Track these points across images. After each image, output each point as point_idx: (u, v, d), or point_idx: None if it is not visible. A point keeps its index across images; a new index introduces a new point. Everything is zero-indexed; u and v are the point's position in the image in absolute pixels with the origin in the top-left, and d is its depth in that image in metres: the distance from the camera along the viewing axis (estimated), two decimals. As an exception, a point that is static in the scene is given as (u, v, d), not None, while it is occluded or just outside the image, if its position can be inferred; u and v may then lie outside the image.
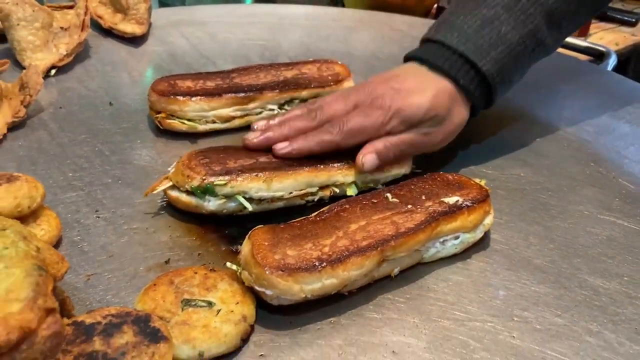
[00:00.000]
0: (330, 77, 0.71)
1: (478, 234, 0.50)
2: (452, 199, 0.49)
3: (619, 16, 1.19)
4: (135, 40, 0.81)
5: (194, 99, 0.64)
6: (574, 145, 0.66)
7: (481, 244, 0.52)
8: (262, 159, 0.55)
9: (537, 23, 0.55)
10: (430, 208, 0.48)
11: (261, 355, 0.41)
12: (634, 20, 1.18)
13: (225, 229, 0.52)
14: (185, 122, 0.64)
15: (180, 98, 0.63)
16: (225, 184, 0.51)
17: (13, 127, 0.62)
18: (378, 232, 0.45)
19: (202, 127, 0.65)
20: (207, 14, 0.90)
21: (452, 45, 0.55)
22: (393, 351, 0.42)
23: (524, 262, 0.51)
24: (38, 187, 0.49)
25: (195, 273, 0.45)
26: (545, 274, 0.49)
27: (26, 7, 0.70)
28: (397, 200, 0.49)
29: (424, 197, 0.49)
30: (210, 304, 0.42)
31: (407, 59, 0.60)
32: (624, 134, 0.67)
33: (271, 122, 0.56)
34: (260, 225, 0.46)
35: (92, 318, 0.38)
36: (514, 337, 0.44)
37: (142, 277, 0.47)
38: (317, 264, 0.42)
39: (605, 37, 1.12)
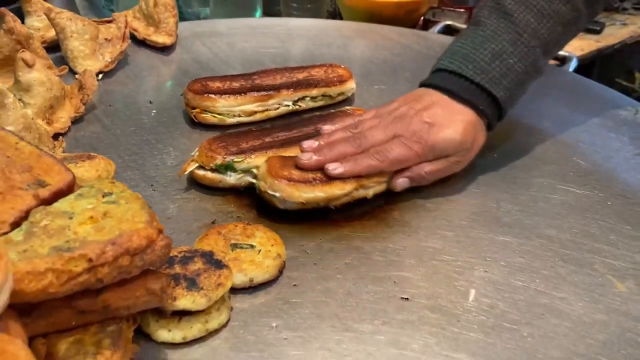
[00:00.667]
0: (335, 78, 0.84)
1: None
2: None
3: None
4: (165, 49, 0.94)
5: (223, 96, 0.77)
6: (537, 132, 0.79)
7: (462, 209, 0.65)
8: (267, 139, 0.69)
9: (537, 54, 0.67)
10: None
11: (294, 285, 0.54)
12: (598, 28, 1.32)
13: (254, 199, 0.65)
14: (216, 115, 0.77)
15: (212, 96, 0.76)
16: (242, 161, 0.64)
17: (75, 121, 0.75)
18: None
19: (229, 120, 0.78)
20: (225, 26, 1.04)
21: (469, 77, 0.65)
22: (394, 282, 0.55)
23: (495, 220, 0.64)
24: (111, 163, 0.62)
25: (236, 226, 0.57)
26: (511, 228, 0.63)
27: (78, 21, 0.83)
28: None
29: None
30: (252, 246, 0.55)
31: (428, 86, 0.69)
32: (579, 122, 0.81)
33: (320, 142, 0.64)
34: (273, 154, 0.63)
35: (171, 253, 0.50)
36: (486, 271, 0.57)
37: (195, 233, 0.59)
38: (312, 180, 0.59)
39: (572, 43, 1.25)
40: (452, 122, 0.64)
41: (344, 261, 0.57)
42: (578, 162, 0.74)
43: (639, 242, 0.61)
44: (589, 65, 1.24)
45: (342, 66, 0.87)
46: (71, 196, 0.43)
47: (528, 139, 0.78)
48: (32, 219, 0.39)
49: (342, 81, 0.84)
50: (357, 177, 0.62)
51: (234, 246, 0.55)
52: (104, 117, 0.78)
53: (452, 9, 1.16)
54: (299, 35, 1.04)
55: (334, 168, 0.61)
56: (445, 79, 0.67)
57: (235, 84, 0.80)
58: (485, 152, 0.75)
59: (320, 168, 0.61)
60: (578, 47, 1.23)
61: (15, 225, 0.40)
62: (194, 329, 0.47)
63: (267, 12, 1.28)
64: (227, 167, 0.64)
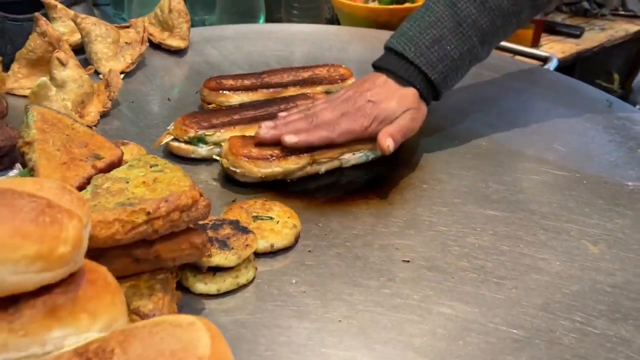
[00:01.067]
0: (337, 77, 0.92)
1: (379, 153, 0.74)
2: None
3: (566, 30, 1.44)
4: (179, 52, 1.02)
5: (237, 92, 0.85)
6: (520, 122, 0.88)
7: (455, 189, 0.73)
8: (236, 117, 0.77)
9: (473, 43, 0.75)
10: None
11: (309, 250, 0.62)
12: (578, 33, 1.42)
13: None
14: None
15: (226, 92, 0.84)
16: (212, 135, 0.73)
17: (103, 115, 0.83)
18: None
19: None
20: (233, 31, 1.12)
21: (409, 58, 0.74)
22: (397, 248, 0.63)
23: (484, 197, 0.72)
24: (141, 148, 0.69)
25: (255, 202, 0.65)
26: (498, 204, 0.71)
27: (102, 26, 0.91)
28: None
29: None
30: (271, 218, 0.62)
31: (377, 67, 0.77)
32: (559, 114, 0.89)
33: (277, 121, 0.73)
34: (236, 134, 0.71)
35: (202, 222, 0.58)
36: (476, 238, 0.65)
37: (220, 209, 0.66)
38: (269, 157, 0.68)
39: (554, 46, 1.35)
40: (392, 97, 0.73)
41: (352, 232, 0.65)
42: (558, 147, 0.82)
43: (610, 213, 0.69)
44: (570, 67, 1.34)
45: (343, 66, 0.95)
46: (124, 167, 0.50)
47: (513, 128, 0.87)
48: (95, 182, 0.47)
49: (343, 79, 0.92)
50: (310, 151, 0.70)
51: (255, 218, 0.62)
52: (128, 112, 0.85)
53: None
54: (301, 39, 1.13)
55: (290, 138, 0.69)
56: (390, 61, 0.76)
57: (247, 82, 0.87)
58: (474, 140, 0.83)
59: (277, 141, 0.70)
60: (559, 49, 1.33)
61: (80, 189, 0.47)
62: (227, 282, 0.54)
63: (270, 19, 1.37)
64: (199, 140, 0.73)
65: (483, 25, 0.75)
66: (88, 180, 0.48)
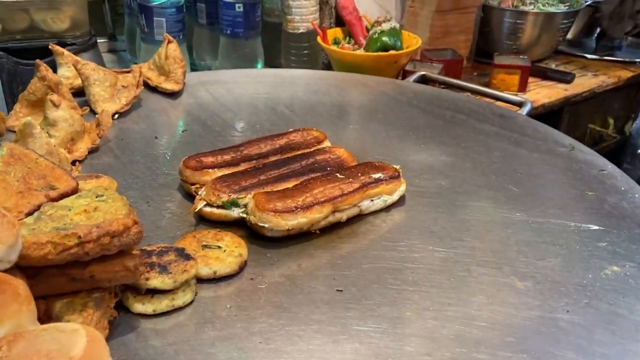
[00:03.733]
0: (312, 140, 0.91)
1: (395, 197, 0.79)
2: (376, 175, 0.78)
3: (557, 76, 1.47)
4: (173, 95, 1.11)
5: (221, 169, 0.81)
6: (483, 164, 0.92)
7: (405, 224, 0.77)
8: (262, 177, 0.81)
9: None
10: (362, 180, 0.77)
11: (251, 278, 0.67)
12: (569, 78, 1.45)
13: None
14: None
15: (210, 170, 0.81)
16: (244, 197, 0.75)
17: (91, 151, 0.91)
18: (331, 193, 0.74)
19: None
20: (228, 76, 1.21)
21: None
22: (334, 278, 0.67)
23: (429, 233, 0.76)
24: (113, 182, 0.77)
25: (209, 232, 0.71)
26: (441, 240, 0.74)
27: (100, 71, 1.01)
28: (343, 177, 0.78)
29: (359, 174, 0.78)
30: (219, 247, 0.68)
31: None
32: (521, 156, 0.93)
33: None
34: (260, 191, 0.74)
35: (150, 247, 0.64)
36: (412, 272, 0.69)
37: (177, 237, 0.73)
38: (294, 209, 0.71)
39: (542, 91, 1.38)
40: None
41: (297, 263, 0.70)
42: (512, 188, 0.85)
43: (545, 252, 0.72)
44: (558, 112, 1.37)
45: (314, 129, 0.94)
46: (73, 196, 0.57)
47: (475, 169, 0.91)
48: (42, 209, 0.54)
49: (319, 141, 0.91)
50: (331, 199, 0.73)
51: (204, 246, 0.68)
52: (116, 149, 0.94)
53: (429, 61, 1.31)
54: (290, 82, 1.20)
55: None
56: None
57: (227, 157, 0.84)
58: (436, 180, 0.88)
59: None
60: (546, 94, 1.36)
61: (30, 214, 0.54)
62: (162, 304, 0.60)
63: (270, 64, 1.46)
64: (232, 203, 0.75)
65: None
66: (39, 207, 0.55)
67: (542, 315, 0.61)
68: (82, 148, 0.89)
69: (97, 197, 0.57)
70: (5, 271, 0.45)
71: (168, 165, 0.90)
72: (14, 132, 0.92)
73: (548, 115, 1.29)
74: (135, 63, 1.46)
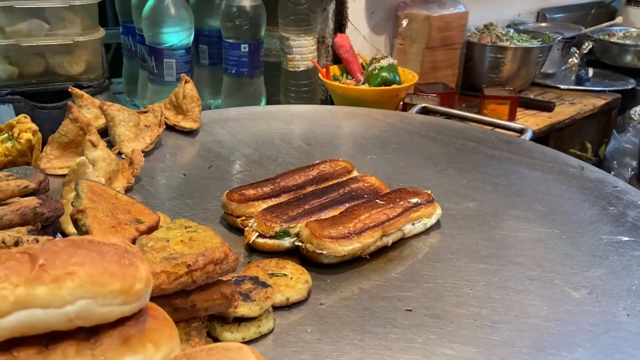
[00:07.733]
0: (342, 170, 0.95)
1: (433, 220, 0.83)
2: (414, 200, 0.82)
3: (539, 104, 1.58)
4: (191, 133, 1.13)
5: (265, 201, 0.83)
6: (502, 186, 0.97)
7: (448, 246, 0.81)
8: (307, 206, 0.82)
9: None
10: (403, 205, 0.81)
11: (320, 304, 0.68)
12: (551, 106, 1.56)
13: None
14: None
15: (254, 203, 0.83)
16: (295, 226, 0.77)
17: (127, 190, 0.91)
18: (377, 218, 0.78)
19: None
20: (239, 113, 1.23)
21: None
22: (399, 299, 0.70)
23: (474, 253, 0.79)
24: (166, 217, 0.77)
25: (270, 261, 0.73)
26: (488, 258, 0.78)
27: (124, 112, 1.01)
28: (384, 203, 0.81)
29: (398, 200, 0.82)
30: (285, 275, 0.70)
31: None
32: (537, 178, 0.99)
33: None
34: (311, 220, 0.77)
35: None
36: (471, 289, 0.72)
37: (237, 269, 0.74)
38: (348, 235, 0.74)
39: (529, 120, 1.48)
40: None
41: (358, 286, 0.72)
42: (537, 207, 0.91)
43: (588, 263, 0.77)
44: (544, 138, 1.46)
45: (341, 159, 0.98)
46: (162, 229, 0.58)
47: (496, 192, 0.96)
48: (141, 242, 0.55)
49: (348, 171, 0.95)
50: (381, 223, 0.77)
51: (271, 275, 0.70)
52: (149, 187, 0.94)
53: (425, 94, 1.38)
54: (300, 118, 1.24)
55: None
56: None
57: (266, 189, 0.87)
58: (463, 203, 0.92)
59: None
60: (534, 122, 1.46)
61: (127, 248, 0.55)
62: (250, 331, 0.61)
63: (269, 102, 1.49)
64: (284, 233, 0.77)
65: None
66: (133, 241, 0.56)
67: (605, 319, 0.66)
68: (118, 187, 0.88)
69: (185, 228, 0.58)
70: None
71: (203, 200, 0.91)
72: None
73: (537, 141, 1.37)
74: (135, 104, 1.47)
